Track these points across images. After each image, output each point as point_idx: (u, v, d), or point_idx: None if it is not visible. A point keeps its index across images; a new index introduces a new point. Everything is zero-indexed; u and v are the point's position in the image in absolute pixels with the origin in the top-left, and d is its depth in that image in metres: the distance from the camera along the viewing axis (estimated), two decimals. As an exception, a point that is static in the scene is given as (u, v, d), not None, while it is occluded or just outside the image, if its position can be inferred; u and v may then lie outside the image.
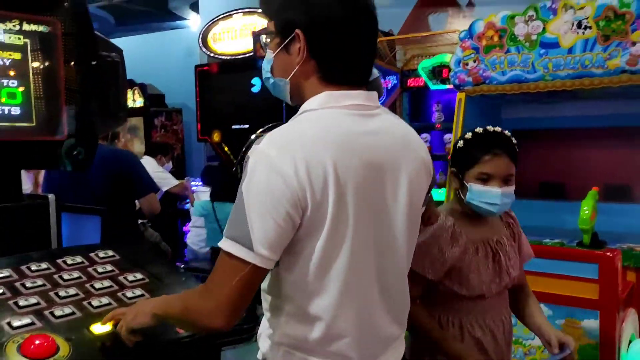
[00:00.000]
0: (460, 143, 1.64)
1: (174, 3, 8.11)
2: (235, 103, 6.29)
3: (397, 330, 1.16)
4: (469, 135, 1.64)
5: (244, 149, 5.23)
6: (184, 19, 8.70)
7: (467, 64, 3.22)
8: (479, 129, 1.64)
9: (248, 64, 6.23)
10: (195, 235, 4.43)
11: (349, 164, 1.00)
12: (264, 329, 1.14)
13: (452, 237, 1.58)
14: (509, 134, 1.64)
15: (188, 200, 4.79)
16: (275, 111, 6.07)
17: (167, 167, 5.06)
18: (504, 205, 1.57)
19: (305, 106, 1.07)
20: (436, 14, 5.18)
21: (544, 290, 2.25)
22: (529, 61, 3.00)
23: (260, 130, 5.54)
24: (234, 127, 6.28)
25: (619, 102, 3.13)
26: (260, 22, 6.46)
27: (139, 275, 1.41)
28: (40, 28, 1.62)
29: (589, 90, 2.88)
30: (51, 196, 1.68)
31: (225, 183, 4.07)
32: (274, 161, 0.96)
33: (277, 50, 1.07)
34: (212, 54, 6.90)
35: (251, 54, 6.18)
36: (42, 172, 3.25)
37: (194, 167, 7.55)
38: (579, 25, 2.85)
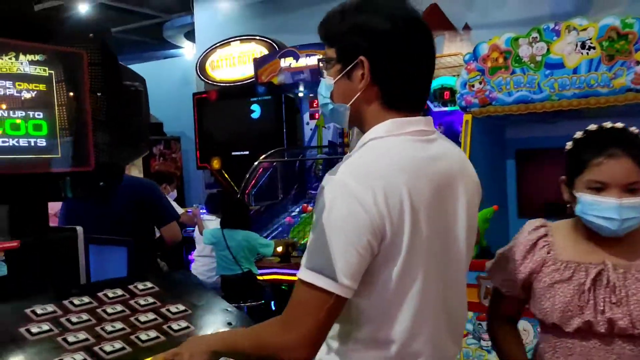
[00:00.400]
0: (569, 145, 1.35)
1: (168, 32, 8.17)
2: (235, 129, 6.32)
3: (456, 348, 1.17)
4: (579, 134, 1.35)
5: (247, 176, 5.24)
6: (179, 47, 8.77)
7: (473, 86, 3.24)
8: (593, 126, 1.33)
9: (247, 91, 6.28)
10: (201, 265, 4.38)
11: (420, 189, 1.01)
12: (324, 355, 1.12)
13: (529, 250, 1.38)
14: (637, 130, 1.30)
15: (193, 229, 4.74)
16: (276, 137, 6.11)
17: (171, 195, 5.04)
18: (628, 221, 1.24)
19: (370, 134, 1.07)
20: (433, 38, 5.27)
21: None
22: (535, 82, 3.04)
23: (264, 156, 5.54)
24: (233, 153, 6.31)
25: (625, 121, 3.12)
26: (258, 49, 6.52)
27: (181, 307, 1.39)
28: (66, 59, 1.61)
29: (595, 109, 2.92)
30: (79, 228, 1.65)
31: (235, 211, 4.04)
32: (353, 190, 0.96)
33: (339, 77, 1.08)
34: (210, 81, 6.95)
35: (251, 80, 6.24)
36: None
37: (192, 194, 7.52)
38: (583, 46, 2.90)
